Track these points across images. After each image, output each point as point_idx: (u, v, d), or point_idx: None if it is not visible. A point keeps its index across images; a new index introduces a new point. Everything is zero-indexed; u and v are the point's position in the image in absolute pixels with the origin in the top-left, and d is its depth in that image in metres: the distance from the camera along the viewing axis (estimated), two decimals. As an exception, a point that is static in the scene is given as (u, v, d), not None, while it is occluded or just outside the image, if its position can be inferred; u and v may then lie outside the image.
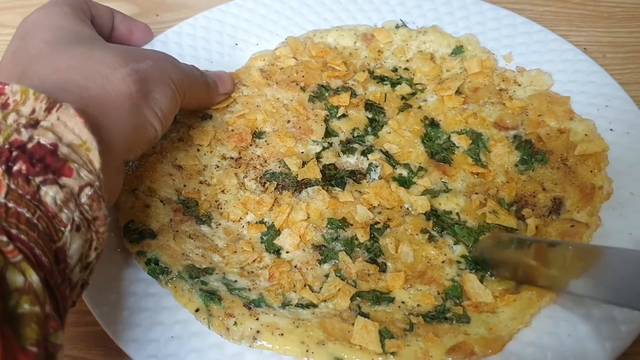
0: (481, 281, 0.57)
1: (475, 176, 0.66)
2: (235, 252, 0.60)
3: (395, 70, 0.77)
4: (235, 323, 0.52)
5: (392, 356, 0.50)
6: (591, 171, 0.62)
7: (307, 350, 0.50)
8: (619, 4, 0.90)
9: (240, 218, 0.63)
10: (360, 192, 0.64)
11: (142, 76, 0.52)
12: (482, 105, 0.71)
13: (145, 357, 0.50)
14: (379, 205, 0.63)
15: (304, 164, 0.66)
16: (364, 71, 0.75)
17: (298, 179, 0.64)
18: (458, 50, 0.76)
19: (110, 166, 0.48)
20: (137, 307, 0.53)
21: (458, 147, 0.68)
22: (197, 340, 0.52)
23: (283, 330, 0.51)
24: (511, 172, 0.66)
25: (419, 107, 0.72)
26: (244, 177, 0.66)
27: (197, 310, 0.53)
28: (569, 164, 0.64)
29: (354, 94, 0.73)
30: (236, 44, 0.77)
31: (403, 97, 0.74)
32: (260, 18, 0.79)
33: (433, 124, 0.71)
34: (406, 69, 0.77)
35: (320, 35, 0.78)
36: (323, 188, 0.63)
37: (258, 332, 0.51)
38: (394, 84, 0.75)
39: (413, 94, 0.74)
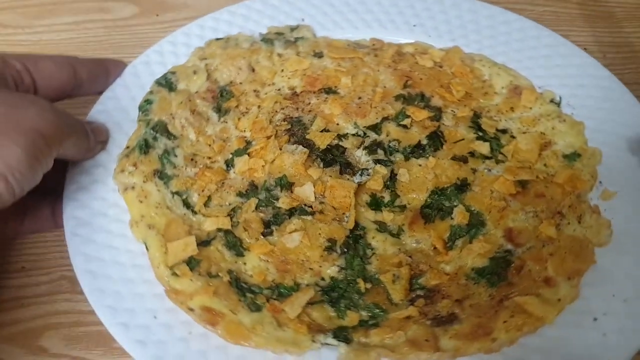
0: None
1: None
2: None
3: (504, 131, 0.68)
4: None
5: None
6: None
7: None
8: (619, 4, 0.90)
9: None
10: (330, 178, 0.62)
11: None
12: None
13: (149, 357, 0.50)
14: (321, 195, 0.62)
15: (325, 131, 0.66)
16: (466, 106, 0.69)
17: (312, 142, 0.65)
18: (573, 157, 0.64)
19: None
20: (141, 308, 0.53)
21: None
22: (201, 341, 0.52)
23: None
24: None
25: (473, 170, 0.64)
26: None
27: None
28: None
29: (436, 118, 0.68)
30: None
31: (471, 152, 0.65)
32: (269, 20, 0.76)
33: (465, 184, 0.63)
34: (512, 136, 0.67)
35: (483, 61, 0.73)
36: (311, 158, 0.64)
37: None
38: (485, 139, 0.66)
39: (486, 157, 0.65)
